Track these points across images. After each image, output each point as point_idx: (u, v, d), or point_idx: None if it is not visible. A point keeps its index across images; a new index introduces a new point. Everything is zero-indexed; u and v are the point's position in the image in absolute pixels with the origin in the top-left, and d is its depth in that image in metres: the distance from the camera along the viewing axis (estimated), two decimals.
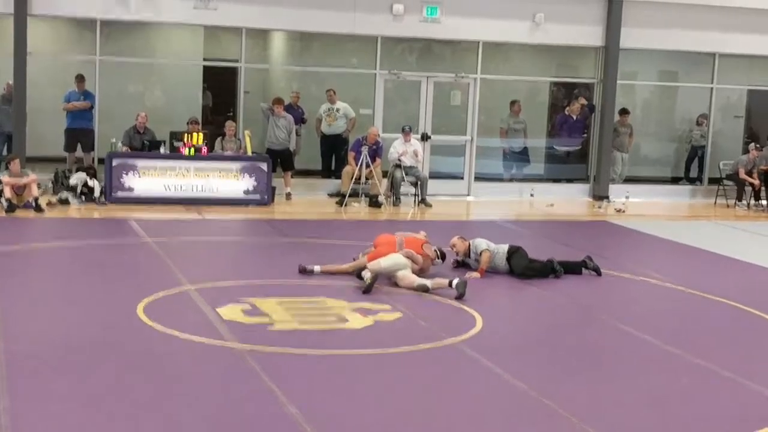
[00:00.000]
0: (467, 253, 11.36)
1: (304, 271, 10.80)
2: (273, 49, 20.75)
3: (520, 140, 19.90)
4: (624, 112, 19.84)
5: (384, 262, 10.40)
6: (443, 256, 11.27)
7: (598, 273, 11.48)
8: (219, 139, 17.07)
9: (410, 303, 9.63)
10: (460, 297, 9.82)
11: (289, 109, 17.98)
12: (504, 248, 11.30)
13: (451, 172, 19.44)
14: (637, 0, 18.97)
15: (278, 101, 17.55)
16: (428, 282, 10.16)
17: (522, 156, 20.07)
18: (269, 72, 20.78)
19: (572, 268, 11.44)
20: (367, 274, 10.08)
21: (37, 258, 11.66)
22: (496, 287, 10.73)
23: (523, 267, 11.10)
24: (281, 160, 17.45)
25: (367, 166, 16.97)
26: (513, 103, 19.84)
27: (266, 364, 7.38)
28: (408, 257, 10.58)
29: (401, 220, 15.81)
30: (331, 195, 18.08)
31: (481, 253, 11.13)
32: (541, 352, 8.40)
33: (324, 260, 11.15)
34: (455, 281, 9.99)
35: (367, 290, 9.91)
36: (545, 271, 11.20)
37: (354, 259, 10.95)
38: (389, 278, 10.39)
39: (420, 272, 10.56)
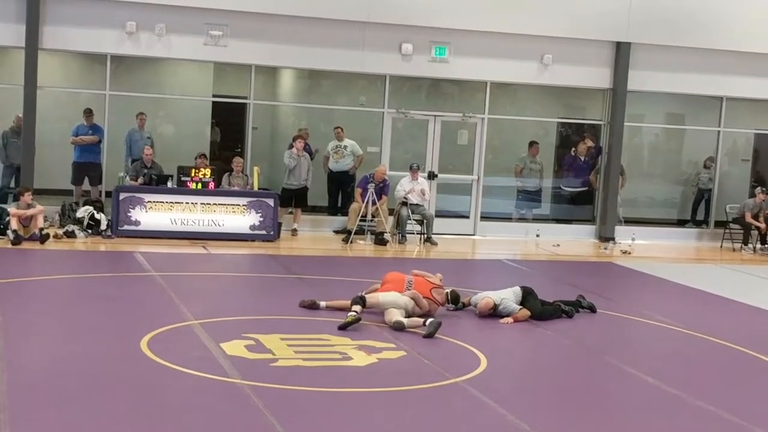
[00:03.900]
0: (493, 308, 11.03)
1: (307, 306, 10.79)
2: (282, 86, 20.87)
3: (535, 180, 19.96)
4: None
5: (383, 298, 10.42)
6: (456, 300, 11.16)
7: (593, 310, 11.56)
8: (226, 174, 17.13)
9: (414, 341, 9.60)
10: (428, 336, 9.75)
11: None
12: (518, 291, 11.23)
13: (457, 211, 19.46)
14: (645, 43, 19.06)
15: (300, 138, 17.59)
16: (405, 320, 10.12)
17: (534, 196, 20.11)
18: (278, 109, 20.88)
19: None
20: (354, 310, 10.06)
21: (42, 290, 11.66)
22: (500, 327, 10.69)
23: (540, 310, 11.06)
24: (296, 197, 17.50)
25: (374, 203, 16.99)
26: (531, 144, 19.90)
27: (269, 400, 7.36)
28: (413, 298, 10.54)
29: (406, 258, 15.80)
30: (336, 232, 18.09)
31: (519, 311, 10.94)
32: (545, 392, 8.37)
33: (329, 297, 11.13)
34: (428, 320, 9.97)
35: (343, 327, 9.87)
36: (557, 313, 11.19)
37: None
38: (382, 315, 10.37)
39: (425, 315, 10.48)
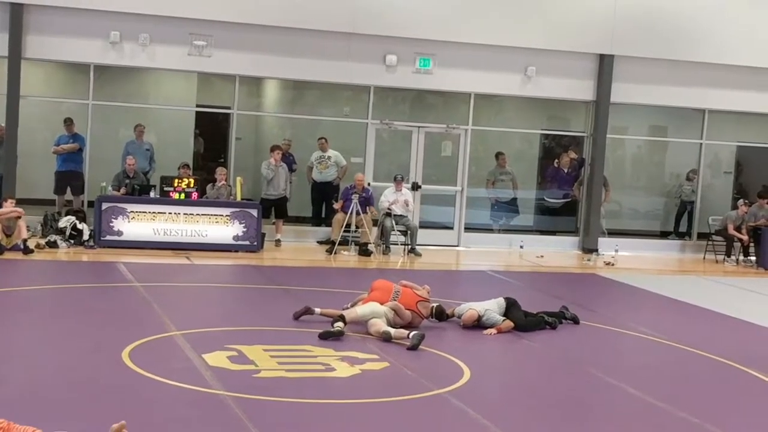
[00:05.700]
0: (477, 320, 11.03)
1: (305, 312, 10.74)
2: (266, 96, 20.85)
3: (507, 191, 20.00)
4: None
5: (360, 311, 10.45)
6: (440, 316, 11.01)
7: (576, 322, 11.60)
8: (210, 185, 17.09)
9: (398, 353, 9.58)
10: (412, 348, 9.71)
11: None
12: (501, 302, 11.22)
13: (441, 222, 19.47)
14: (629, 56, 19.14)
15: (278, 148, 17.60)
16: (392, 330, 10.10)
17: (510, 206, 20.16)
18: (262, 119, 20.86)
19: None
20: (338, 326, 10.06)
21: (24, 301, 11.58)
22: (484, 338, 10.69)
23: (524, 321, 11.06)
24: (276, 207, 17.50)
25: (358, 214, 16.98)
26: (498, 155, 19.96)
27: (251, 411, 7.32)
28: (394, 309, 10.53)
29: (390, 269, 15.79)
30: (320, 242, 18.07)
31: (503, 322, 10.95)
32: (528, 404, 8.36)
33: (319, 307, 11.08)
34: (412, 333, 9.96)
35: (324, 336, 9.87)
36: (541, 324, 11.20)
37: (344, 308, 10.87)
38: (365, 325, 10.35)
39: (408, 326, 10.47)
